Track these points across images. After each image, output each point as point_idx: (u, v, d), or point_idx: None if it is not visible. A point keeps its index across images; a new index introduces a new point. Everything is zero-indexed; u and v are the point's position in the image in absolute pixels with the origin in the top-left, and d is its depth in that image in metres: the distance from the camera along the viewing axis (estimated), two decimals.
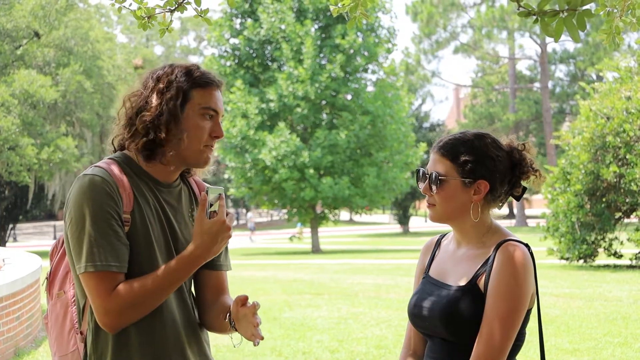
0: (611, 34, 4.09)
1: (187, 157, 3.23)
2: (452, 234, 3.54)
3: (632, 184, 21.78)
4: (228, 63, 41.40)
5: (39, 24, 42.58)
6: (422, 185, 3.38)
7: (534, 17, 3.05)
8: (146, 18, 3.70)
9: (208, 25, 3.92)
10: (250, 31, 40.28)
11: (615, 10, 3.87)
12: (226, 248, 3.50)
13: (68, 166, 41.55)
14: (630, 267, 23.46)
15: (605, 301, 15.44)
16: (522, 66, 74.69)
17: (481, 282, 3.23)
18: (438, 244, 3.61)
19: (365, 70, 42.01)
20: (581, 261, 24.22)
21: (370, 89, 42.13)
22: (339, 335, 12.24)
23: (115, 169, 3.16)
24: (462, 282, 3.28)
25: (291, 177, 38.66)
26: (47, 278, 3.38)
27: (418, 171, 3.42)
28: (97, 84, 45.53)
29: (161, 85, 3.20)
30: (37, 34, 43.42)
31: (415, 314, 3.42)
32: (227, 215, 3.10)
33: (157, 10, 3.73)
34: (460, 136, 3.35)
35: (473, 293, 3.23)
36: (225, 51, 41.83)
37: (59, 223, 66.70)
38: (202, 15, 3.75)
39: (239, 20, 42.26)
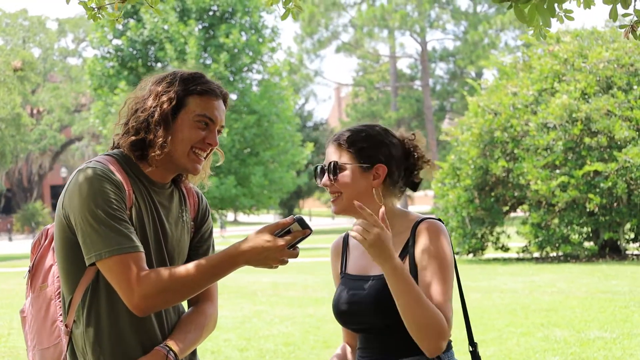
0: (538, 27, 4.19)
1: (175, 160, 3.21)
2: None
3: (520, 178, 22.32)
4: (111, 64, 40.76)
5: None
6: (322, 180, 3.38)
7: (509, 4, 3.10)
8: (96, 9, 3.63)
9: (158, 15, 3.86)
10: (134, 32, 39.73)
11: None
12: (214, 247, 3.51)
13: None
14: (518, 259, 24.01)
15: (501, 293, 15.75)
16: (403, 65, 76.09)
17: (407, 263, 3.27)
18: (345, 243, 3.60)
19: (250, 70, 41.92)
20: (470, 255, 24.65)
21: (255, 88, 42.03)
22: (245, 333, 12.19)
23: (115, 165, 3.15)
24: None
25: None
26: (29, 271, 3.34)
27: (316, 168, 3.43)
28: None
29: (159, 89, 3.21)
30: None
31: (344, 311, 3.40)
32: (293, 248, 3.01)
33: (107, 1, 3.66)
34: (353, 127, 3.41)
35: None
36: (108, 52, 41.20)
37: None
38: (153, 6, 3.70)
39: (122, 21, 41.67)
